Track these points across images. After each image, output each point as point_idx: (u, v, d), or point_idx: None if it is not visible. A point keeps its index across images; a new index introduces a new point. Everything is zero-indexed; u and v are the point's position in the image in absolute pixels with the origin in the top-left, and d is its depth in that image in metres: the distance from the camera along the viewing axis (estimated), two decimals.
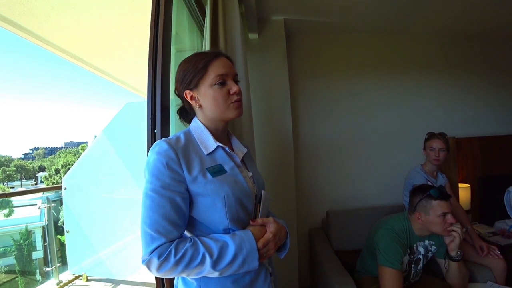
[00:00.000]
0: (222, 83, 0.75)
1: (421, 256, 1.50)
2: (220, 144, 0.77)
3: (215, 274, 0.66)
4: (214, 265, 0.64)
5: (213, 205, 0.69)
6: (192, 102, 0.78)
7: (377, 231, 1.50)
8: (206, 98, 0.76)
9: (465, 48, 2.71)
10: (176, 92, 0.83)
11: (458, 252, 1.39)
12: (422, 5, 2.12)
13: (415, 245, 1.48)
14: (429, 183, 1.80)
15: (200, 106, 0.78)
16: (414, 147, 2.51)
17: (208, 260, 0.63)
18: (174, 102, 1.13)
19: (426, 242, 1.50)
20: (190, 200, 0.70)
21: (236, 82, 0.78)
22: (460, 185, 2.41)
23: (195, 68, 0.75)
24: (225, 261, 0.65)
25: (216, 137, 0.79)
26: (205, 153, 0.75)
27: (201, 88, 0.76)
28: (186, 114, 0.86)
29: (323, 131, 2.53)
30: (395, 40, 2.63)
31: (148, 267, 0.63)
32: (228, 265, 0.65)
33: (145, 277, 2.53)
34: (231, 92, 0.76)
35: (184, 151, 0.71)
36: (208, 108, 0.77)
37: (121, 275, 2.67)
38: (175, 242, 0.64)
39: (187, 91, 0.77)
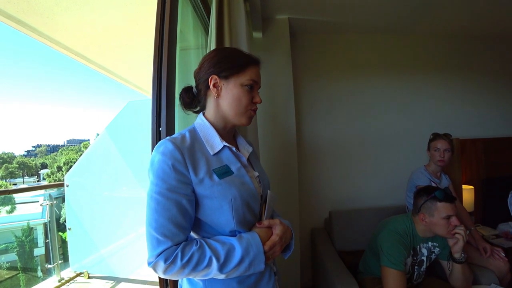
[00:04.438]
0: (251, 88, 0.75)
1: (424, 258, 1.49)
2: (227, 144, 0.76)
3: (222, 277, 0.66)
4: (221, 268, 0.63)
5: (219, 208, 0.68)
6: (213, 90, 0.75)
7: (380, 232, 1.49)
8: (230, 93, 0.74)
9: (470, 48, 2.70)
10: (196, 72, 0.80)
11: (462, 254, 1.38)
12: (428, 6, 2.11)
13: (418, 246, 1.47)
14: (433, 184, 1.80)
15: (218, 96, 0.76)
16: (418, 148, 2.49)
17: (214, 264, 0.63)
18: (178, 100, 1.12)
19: (430, 243, 1.49)
20: (196, 201, 0.69)
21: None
22: (463, 186, 2.40)
23: (235, 60, 0.75)
24: (231, 264, 0.64)
25: (222, 135, 0.77)
26: (211, 153, 0.73)
27: (231, 82, 0.74)
28: (191, 97, 0.82)
29: (326, 131, 2.52)
30: (400, 40, 2.62)
31: (155, 270, 0.63)
32: (235, 268, 0.65)
33: (146, 275, 2.53)
34: (254, 100, 0.77)
35: (190, 151, 0.69)
36: (227, 104, 0.75)
37: (123, 273, 2.68)
38: (181, 245, 0.63)
39: (215, 77, 0.74)
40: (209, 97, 0.78)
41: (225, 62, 0.75)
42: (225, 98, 0.75)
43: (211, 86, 0.75)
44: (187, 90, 0.82)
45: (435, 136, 1.89)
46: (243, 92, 0.74)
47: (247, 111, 0.76)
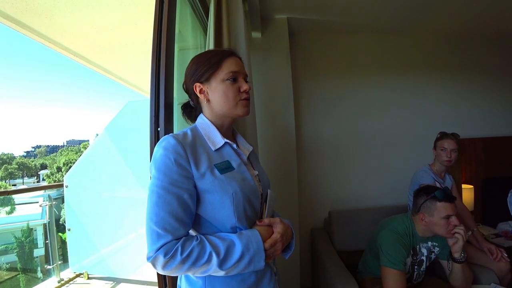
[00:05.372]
0: (234, 80, 0.76)
1: (424, 258, 1.49)
2: (228, 141, 0.77)
3: (221, 273, 0.65)
4: (221, 264, 0.63)
5: (221, 203, 0.69)
6: (201, 96, 0.78)
7: (380, 232, 1.49)
8: (216, 92, 0.76)
9: (469, 47, 2.69)
10: (184, 86, 0.83)
11: (462, 254, 1.38)
12: (427, 5, 2.11)
13: (418, 246, 1.47)
14: (437, 184, 1.78)
15: (208, 100, 0.78)
16: (418, 147, 2.50)
17: (214, 259, 0.63)
18: (177, 101, 1.12)
19: (429, 243, 1.49)
20: (197, 197, 0.69)
21: (245, 82, 0.79)
22: (463, 186, 2.40)
23: (209, 62, 0.76)
24: (231, 260, 0.64)
25: (222, 134, 0.78)
26: (213, 149, 0.74)
27: (213, 82, 0.76)
28: (190, 110, 0.86)
29: (326, 131, 2.52)
30: (400, 40, 2.61)
31: (154, 265, 0.62)
32: (235, 265, 0.65)
33: (146, 276, 2.53)
34: (241, 89, 0.77)
35: (192, 146, 0.71)
36: (217, 103, 0.77)
37: (122, 273, 2.68)
38: (181, 240, 0.63)
39: (197, 84, 0.77)
40: (202, 104, 0.80)
41: (200, 66, 0.76)
42: (214, 99, 0.77)
43: (198, 94, 0.78)
44: (185, 105, 0.86)
45: (443, 135, 1.85)
46: (226, 87, 0.75)
47: (238, 102, 0.77)
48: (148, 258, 0.62)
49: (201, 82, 0.77)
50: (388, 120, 2.57)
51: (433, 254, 1.51)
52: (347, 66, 2.56)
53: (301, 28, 2.45)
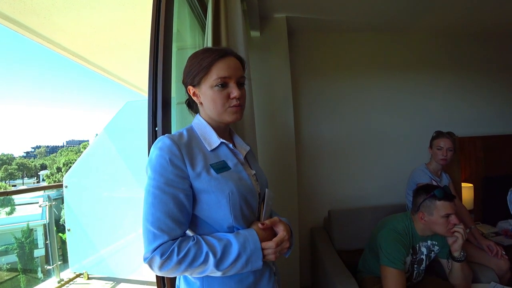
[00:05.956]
0: (223, 85, 0.73)
1: (423, 257, 1.49)
2: (224, 141, 0.76)
3: (218, 274, 0.65)
4: (217, 265, 0.63)
5: (217, 202, 0.68)
6: (194, 98, 0.78)
7: (379, 231, 1.49)
8: (205, 97, 0.75)
9: (469, 46, 2.69)
10: (184, 84, 0.82)
11: (461, 253, 1.38)
12: (427, 4, 2.10)
13: (417, 245, 1.47)
14: (434, 183, 1.79)
15: (201, 103, 0.78)
16: (417, 146, 2.49)
17: (211, 259, 0.62)
18: (176, 100, 1.12)
19: (429, 242, 1.49)
20: (193, 197, 0.69)
21: (240, 84, 0.76)
22: (463, 184, 2.39)
23: (199, 65, 0.74)
24: (228, 260, 0.64)
25: (218, 134, 0.78)
26: (209, 149, 0.74)
27: (203, 87, 0.75)
28: (193, 106, 0.86)
29: (325, 130, 2.51)
30: (399, 39, 2.61)
31: (150, 266, 0.62)
32: (232, 265, 0.64)
33: (146, 276, 2.53)
34: (231, 96, 0.73)
35: (188, 147, 0.70)
36: (207, 107, 0.76)
37: (122, 273, 2.68)
38: (178, 241, 0.63)
39: (190, 87, 0.77)
40: (198, 104, 0.80)
41: (193, 69, 0.75)
42: (205, 102, 0.76)
43: (192, 96, 0.78)
44: (188, 101, 0.86)
45: (438, 134, 1.87)
46: (214, 93, 0.73)
47: (226, 108, 0.74)
48: (144, 259, 0.62)
49: (193, 85, 0.76)
50: (387, 119, 2.57)
51: (432, 253, 1.50)
52: (346, 65, 2.56)
53: (300, 27, 2.45)
